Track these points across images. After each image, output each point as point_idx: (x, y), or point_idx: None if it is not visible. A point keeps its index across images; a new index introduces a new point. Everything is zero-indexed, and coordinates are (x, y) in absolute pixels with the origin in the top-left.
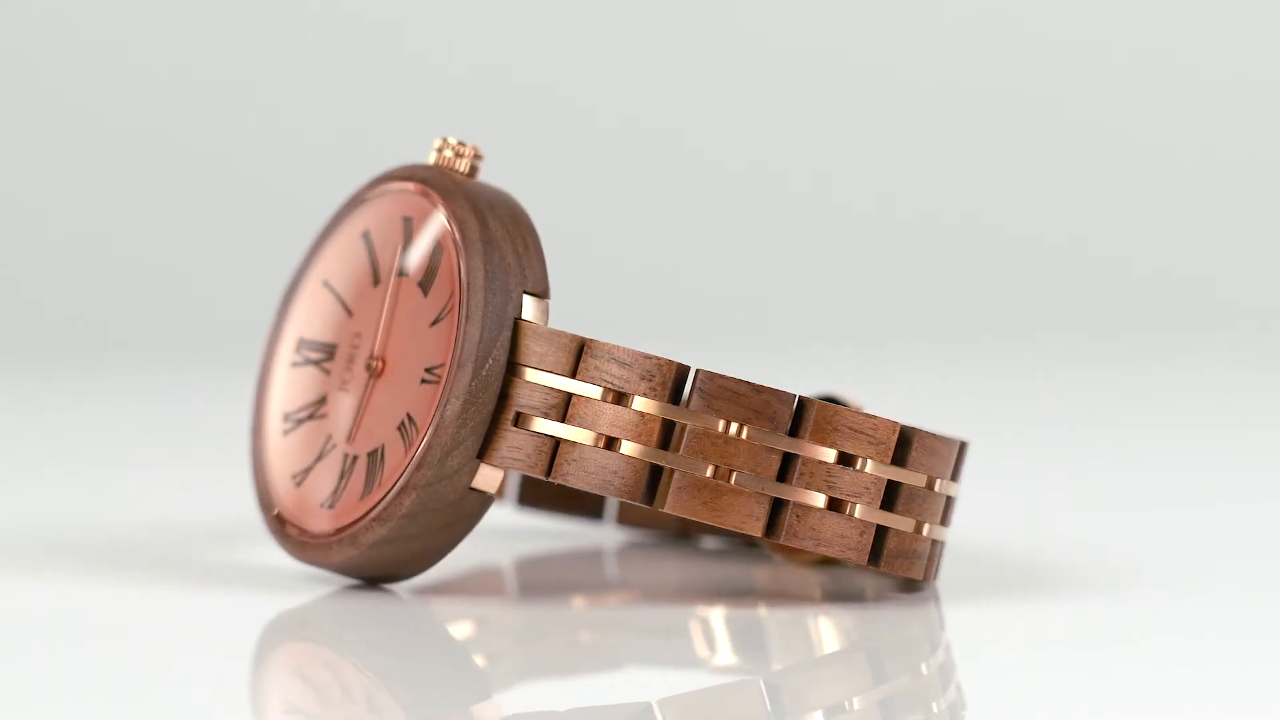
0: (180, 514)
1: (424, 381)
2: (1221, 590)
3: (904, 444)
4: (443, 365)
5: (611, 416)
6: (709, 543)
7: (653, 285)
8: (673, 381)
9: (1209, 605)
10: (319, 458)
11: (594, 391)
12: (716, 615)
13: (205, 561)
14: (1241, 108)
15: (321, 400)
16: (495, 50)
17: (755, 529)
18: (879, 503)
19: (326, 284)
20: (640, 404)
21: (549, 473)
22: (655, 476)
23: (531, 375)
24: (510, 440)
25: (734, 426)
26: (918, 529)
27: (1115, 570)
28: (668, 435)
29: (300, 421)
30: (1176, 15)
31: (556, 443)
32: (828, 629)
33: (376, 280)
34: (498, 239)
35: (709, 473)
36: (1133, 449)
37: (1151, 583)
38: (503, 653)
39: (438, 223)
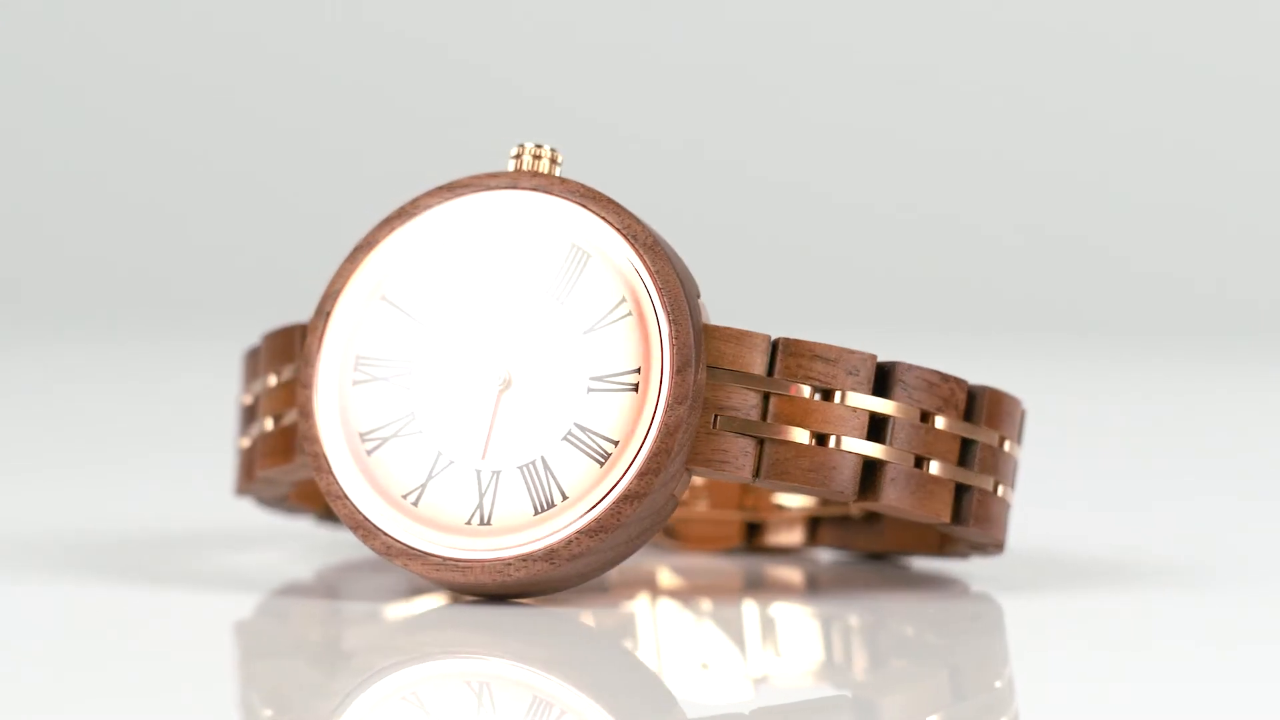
0: (168, 517)
1: (594, 390)
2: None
3: (1021, 425)
4: (631, 371)
5: (823, 413)
6: None
7: None
8: (874, 374)
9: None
10: (430, 476)
11: (799, 389)
12: (790, 609)
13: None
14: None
15: (409, 416)
16: (496, 61)
17: (947, 516)
18: (1012, 483)
19: (386, 299)
20: (851, 399)
21: (757, 474)
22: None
23: (727, 377)
24: (715, 444)
25: (932, 417)
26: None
27: (1118, 565)
28: (876, 428)
29: (384, 440)
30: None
31: (760, 444)
32: (899, 625)
33: (464, 292)
34: (662, 240)
35: (912, 463)
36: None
37: (1155, 579)
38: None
39: (569, 227)
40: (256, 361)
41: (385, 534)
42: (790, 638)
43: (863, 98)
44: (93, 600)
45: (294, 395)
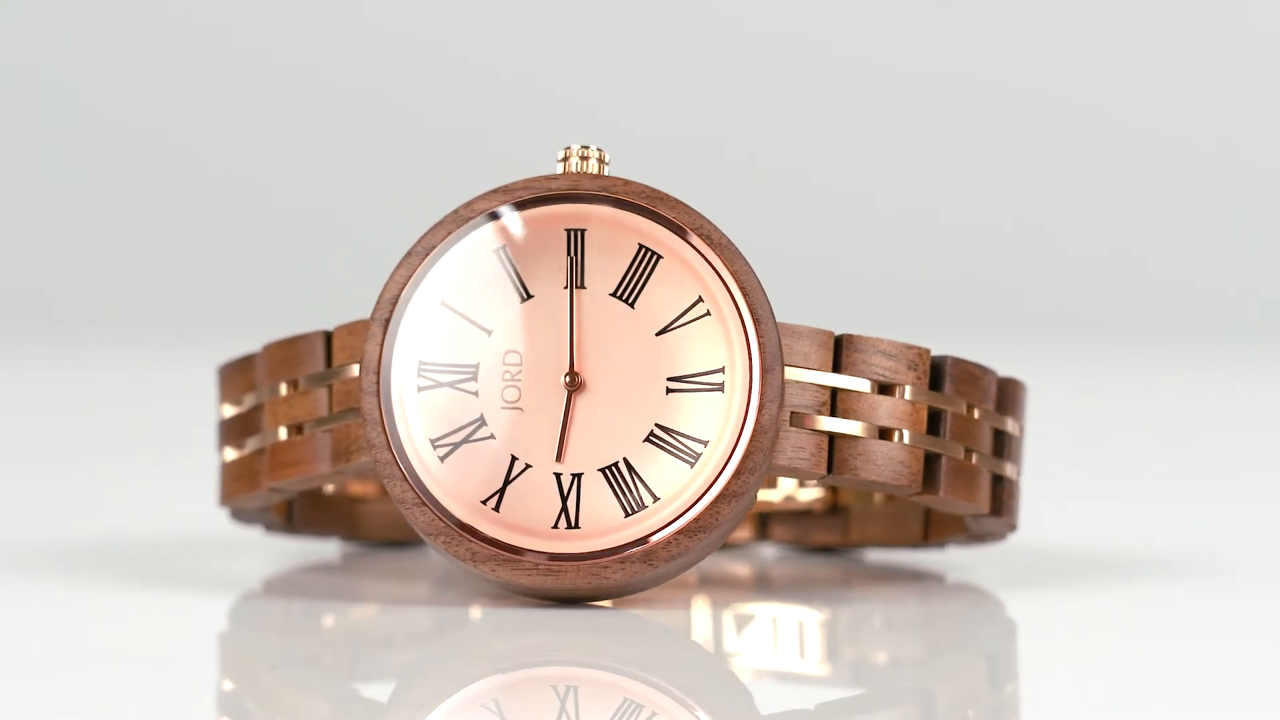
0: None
1: (674, 391)
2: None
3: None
4: (716, 371)
5: (888, 408)
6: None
7: None
8: (930, 369)
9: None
10: (508, 480)
11: (863, 385)
12: (787, 610)
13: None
14: None
15: (478, 422)
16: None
17: (986, 507)
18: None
19: (445, 304)
20: (911, 394)
21: (830, 470)
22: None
23: (797, 374)
24: (793, 441)
25: (973, 408)
26: None
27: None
28: (933, 422)
29: (456, 445)
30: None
31: (830, 440)
32: (896, 616)
33: (526, 296)
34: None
35: (962, 455)
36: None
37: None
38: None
39: (636, 228)
40: (249, 372)
41: (471, 540)
42: (805, 637)
43: (856, 93)
44: (95, 606)
45: (311, 404)
